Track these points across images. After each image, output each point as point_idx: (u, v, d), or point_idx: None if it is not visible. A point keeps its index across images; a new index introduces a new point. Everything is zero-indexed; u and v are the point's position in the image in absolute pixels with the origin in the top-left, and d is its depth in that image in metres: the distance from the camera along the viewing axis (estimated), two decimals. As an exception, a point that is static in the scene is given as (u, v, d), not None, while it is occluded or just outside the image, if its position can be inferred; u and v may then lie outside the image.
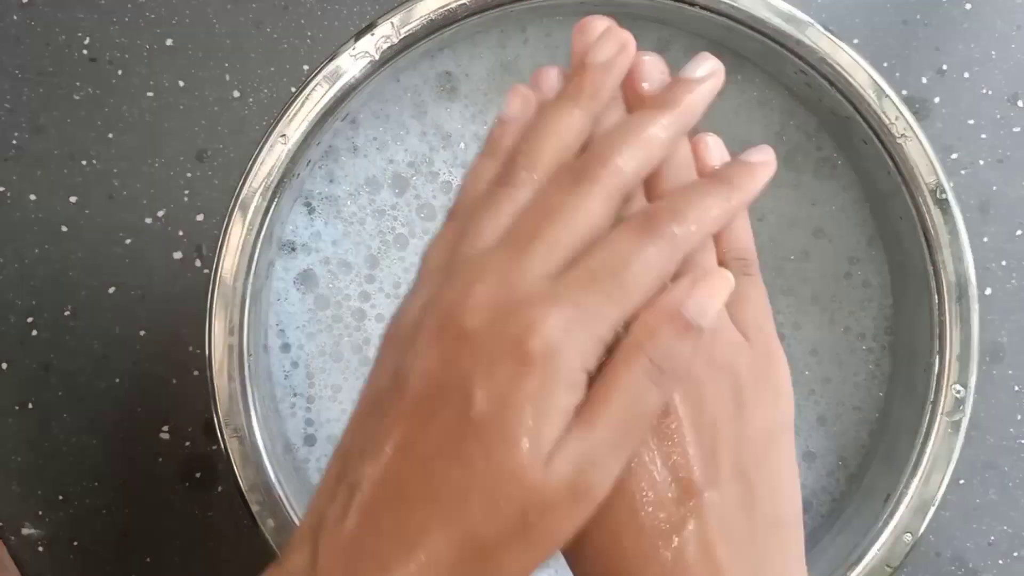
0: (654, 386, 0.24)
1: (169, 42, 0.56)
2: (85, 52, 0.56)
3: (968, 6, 0.55)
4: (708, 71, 0.28)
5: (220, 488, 0.55)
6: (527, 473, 0.23)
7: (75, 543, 0.55)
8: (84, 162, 0.55)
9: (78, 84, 0.55)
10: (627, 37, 0.28)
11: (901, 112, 0.41)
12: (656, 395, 0.24)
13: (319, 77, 0.41)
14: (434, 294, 0.25)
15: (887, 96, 0.41)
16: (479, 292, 0.24)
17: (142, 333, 0.55)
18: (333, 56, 0.41)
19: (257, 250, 0.41)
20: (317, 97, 0.41)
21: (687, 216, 0.26)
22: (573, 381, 0.24)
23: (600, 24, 0.29)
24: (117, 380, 0.55)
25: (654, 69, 0.29)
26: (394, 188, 0.45)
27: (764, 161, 0.29)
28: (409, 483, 0.23)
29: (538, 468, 0.23)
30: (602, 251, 0.25)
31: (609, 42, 0.28)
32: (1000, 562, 0.54)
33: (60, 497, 0.55)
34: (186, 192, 0.55)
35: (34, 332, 0.55)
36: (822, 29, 0.41)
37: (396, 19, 0.41)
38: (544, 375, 0.23)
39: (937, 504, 0.41)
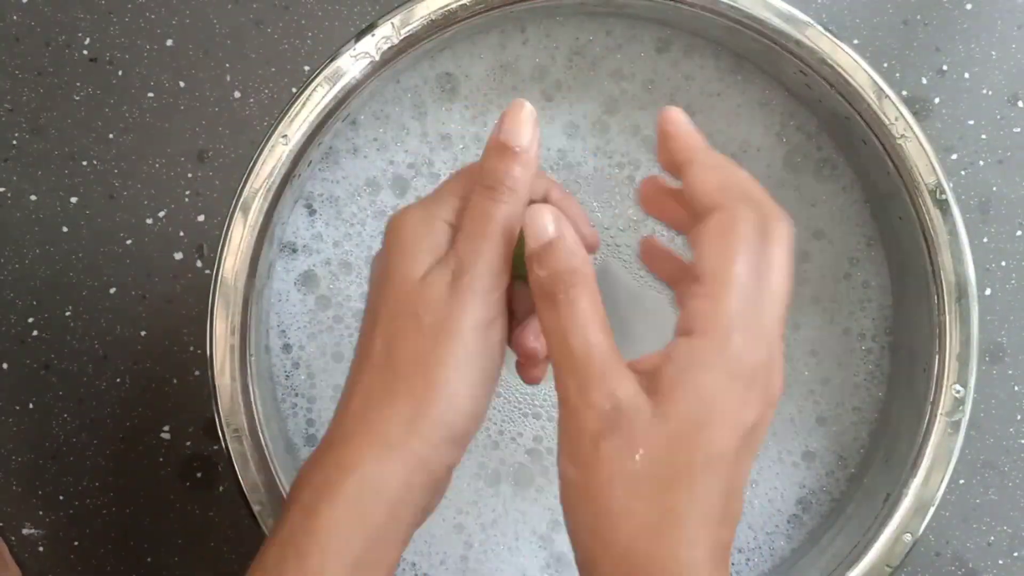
0: (490, 201, 0.33)
1: (169, 42, 0.56)
2: (85, 52, 0.56)
3: (968, 6, 0.55)
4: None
5: (221, 488, 0.55)
6: (409, 289, 0.33)
7: (75, 543, 0.55)
8: (84, 162, 0.55)
9: (78, 84, 0.56)
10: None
11: (901, 112, 0.41)
12: (493, 207, 0.33)
13: (320, 78, 0.41)
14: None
15: (887, 96, 0.41)
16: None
17: (143, 333, 0.55)
18: (334, 57, 0.41)
19: (258, 251, 0.41)
20: (318, 98, 0.41)
21: None
22: (436, 232, 0.34)
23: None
24: (117, 380, 0.55)
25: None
26: (394, 189, 0.45)
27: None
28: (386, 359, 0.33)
29: (415, 285, 0.33)
30: None
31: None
32: (1000, 562, 0.54)
33: (60, 497, 0.55)
34: (187, 193, 0.55)
35: (34, 332, 0.55)
36: (822, 29, 0.41)
37: (396, 20, 0.41)
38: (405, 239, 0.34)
39: (937, 504, 0.41)
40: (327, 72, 0.41)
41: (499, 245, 0.33)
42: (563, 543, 0.44)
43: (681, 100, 0.45)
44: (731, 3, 0.41)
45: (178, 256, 0.55)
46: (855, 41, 0.55)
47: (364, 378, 0.33)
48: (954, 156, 0.55)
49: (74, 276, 0.55)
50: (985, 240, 0.54)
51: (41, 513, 0.55)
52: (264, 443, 0.41)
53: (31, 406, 0.55)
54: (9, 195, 0.55)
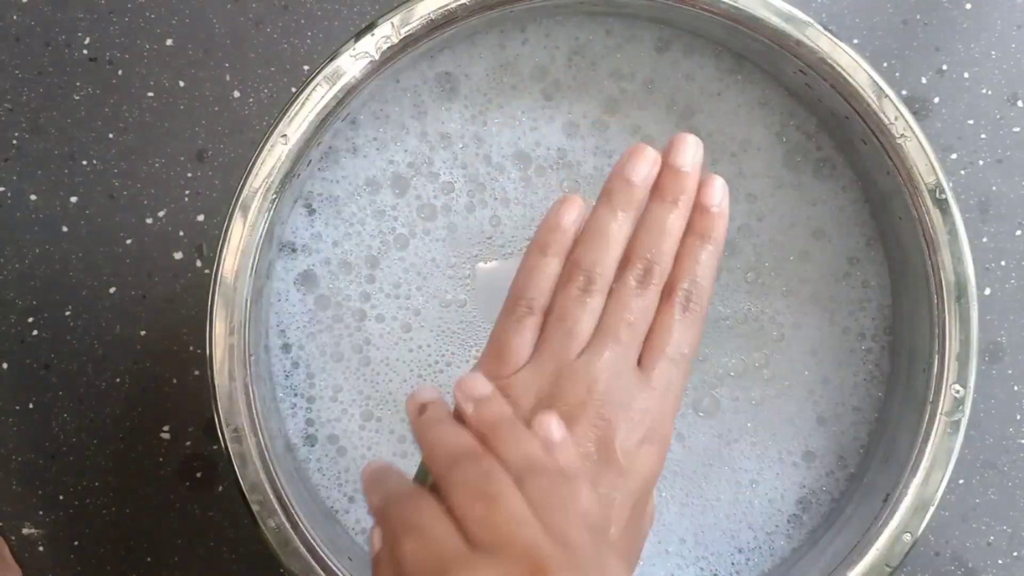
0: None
1: (169, 42, 0.56)
2: (85, 52, 0.56)
3: (968, 6, 0.55)
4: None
5: (220, 488, 0.55)
6: None
7: (75, 543, 0.55)
8: (84, 162, 0.55)
9: (78, 84, 0.56)
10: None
11: (901, 112, 0.41)
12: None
13: (319, 77, 0.41)
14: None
15: (887, 96, 0.41)
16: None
17: (142, 333, 0.55)
18: (333, 56, 0.41)
19: (258, 250, 0.41)
20: (317, 97, 0.41)
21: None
22: None
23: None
24: (117, 380, 0.55)
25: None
26: (394, 188, 0.45)
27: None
28: None
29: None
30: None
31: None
32: (999, 562, 0.54)
33: (60, 497, 0.55)
34: (186, 192, 0.55)
35: (34, 332, 0.55)
36: (822, 29, 0.41)
37: (396, 19, 0.41)
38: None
39: (936, 504, 0.41)
40: (327, 72, 0.41)
41: None
42: None
43: (681, 100, 0.45)
44: (731, 3, 0.41)
45: (178, 256, 0.55)
46: (855, 41, 0.55)
47: None
48: (954, 156, 0.55)
49: (74, 276, 0.55)
50: (985, 240, 0.54)
51: (41, 513, 0.55)
52: (263, 443, 0.41)
53: (31, 406, 0.55)
54: (9, 195, 0.55)
